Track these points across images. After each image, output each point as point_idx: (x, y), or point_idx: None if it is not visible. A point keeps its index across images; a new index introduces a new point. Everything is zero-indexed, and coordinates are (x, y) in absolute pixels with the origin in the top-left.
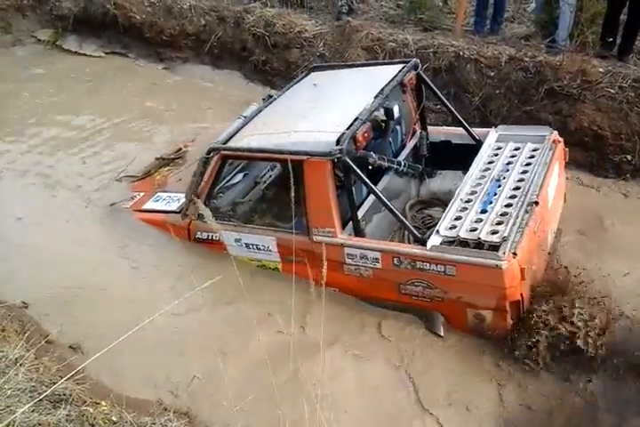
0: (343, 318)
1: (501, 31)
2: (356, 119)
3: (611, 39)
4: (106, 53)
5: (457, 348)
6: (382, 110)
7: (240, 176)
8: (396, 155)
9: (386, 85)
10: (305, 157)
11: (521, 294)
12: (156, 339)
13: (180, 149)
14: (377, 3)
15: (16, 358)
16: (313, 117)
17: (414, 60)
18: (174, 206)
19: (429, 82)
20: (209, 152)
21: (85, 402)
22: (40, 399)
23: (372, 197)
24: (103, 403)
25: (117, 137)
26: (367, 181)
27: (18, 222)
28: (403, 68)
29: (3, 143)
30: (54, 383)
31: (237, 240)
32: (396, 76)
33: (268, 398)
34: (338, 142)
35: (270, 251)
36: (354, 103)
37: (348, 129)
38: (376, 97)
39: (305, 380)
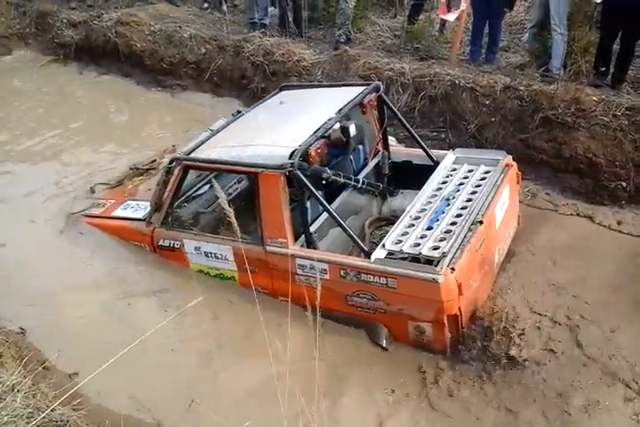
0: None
1: (497, 60)
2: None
3: (604, 68)
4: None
5: None
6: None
7: (206, 188)
8: (357, 173)
9: (345, 105)
10: (260, 170)
11: (459, 309)
12: (151, 361)
13: (155, 160)
14: (374, 33)
15: (13, 385)
16: (272, 133)
17: (376, 82)
18: (141, 214)
19: (390, 104)
20: (171, 162)
21: None
22: (37, 426)
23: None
24: None
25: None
26: (317, 195)
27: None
28: (364, 89)
29: None
30: (52, 410)
31: (197, 248)
32: (355, 97)
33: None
34: (290, 157)
35: (227, 260)
36: (313, 121)
37: (301, 145)
38: (334, 116)
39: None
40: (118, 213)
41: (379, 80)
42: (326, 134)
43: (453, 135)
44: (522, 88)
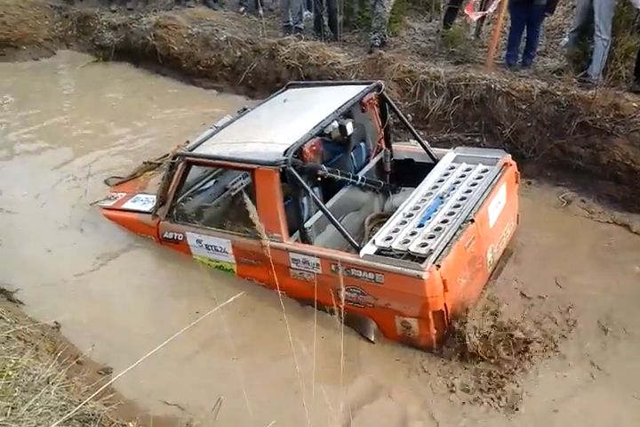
0: None
1: (534, 65)
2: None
3: None
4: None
5: None
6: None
7: (212, 182)
8: (359, 170)
9: (343, 104)
10: (255, 166)
11: (445, 305)
12: (182, 359)
13: (168, 154)
14: (409, 36)
15: (48, 377)
16: (271, 130)
17: (377, 81)
18: (148, 207)
19: (392, 103)
20: (174, 157)
21: (113, 423)
22: (69, 418)
23: (327, 207)
24: (130, 424)
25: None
26: (310, 191)
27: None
28: (365, 88)
29: None
30: (85, 404)
31: (199, 241)
32: (355, 95)
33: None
34: (285, 153)
35: (226, 253)
36: (311, 119)
37: (296, 142)
38: (331, 114)
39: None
40: (128, 205)
41: (413, 83)
42: (324, 132)
43: (488, 140)
44: (559, 93)
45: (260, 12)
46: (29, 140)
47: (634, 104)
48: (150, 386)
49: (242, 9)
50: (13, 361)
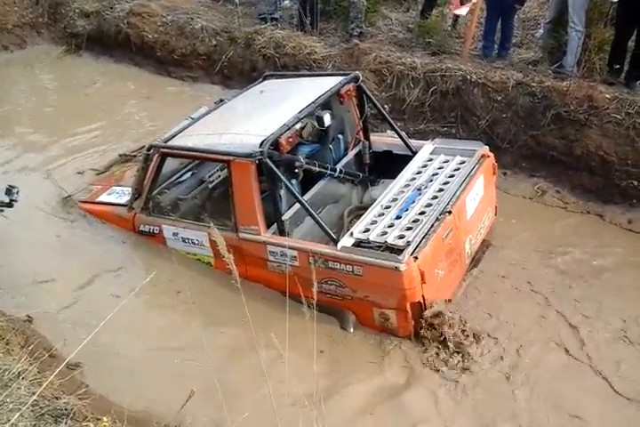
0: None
1: (509, 56)
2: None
3: (618, 66)
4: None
5: None
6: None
7: (188, 174)
8: (337, 162)
9: (320, 95)
10: (231, 158)
11: (422, 296)
12: (156, 353)
13: (144, 146)
14: (386, 27)
15: (19, 372)
16: (247, 121)
17: (355, 73)
18: (124, 200)
19: (370, 94)
20: (149, 149)
21: (87, 418)
22: (42, 414)
23: (304, 199)
24: (104, 419)
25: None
26: (287, 183)
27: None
28: (342, 80)
29: None
30: (57, 398)
31: (175, 234)
32: (333, 87)
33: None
34: (261, 145)
35: (203, 245)
36: (288, 110)
37: (272, 133)
38: (308, 105)
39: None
40: (104, 198)
41: (390, 74)
42: (299, 124)
43: (464, 131)
44: (534, 84)
45: (236, 0)
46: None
47: (607, 96)
48: (125, 380)
49: None
50: None
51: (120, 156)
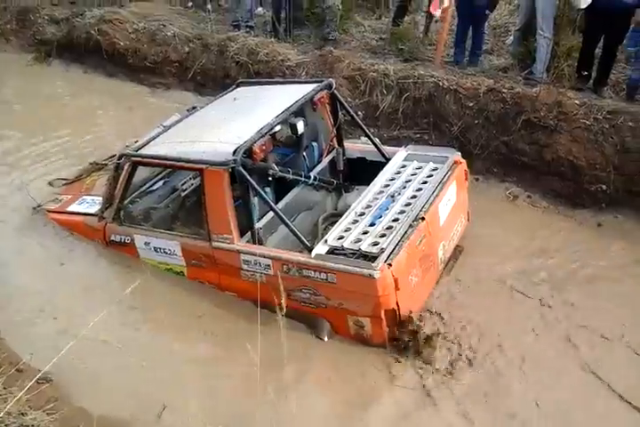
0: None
1: (480, 63)
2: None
3: (586, 72)
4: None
5: None
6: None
7: (160, 183)
8: (311, 169)
9: (294, 103)
10: (204, 166)
11: (397, 303)
12: (126, 366)
13: (115, 154)
14: (359, 34)
15: None
16: (220, 129)
17: (329, 80)
18: (94, 210)
19: (343, 101)
20: (119, 158)
21: None
22: None
23: (278, 207)
24: None
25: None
26: (260, 191)
27: None
28: (316, 87)
29: None
30: (23, 414)
31: (147, 244)
32: (307, 94)
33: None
34: (234, 153)
35: (176, 255)
36: (261, 118)
37: (245, 141)
38: (281, 113)
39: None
40: (74, 207)
41: (363, 81)
42: (273, 131)
43: (437, 137)
44: (505, 91)
45: (209, 7)
46: None
47: (576, 102)
48: (96, 393)
49: (189, 4)
50: None
51: (90, 164)
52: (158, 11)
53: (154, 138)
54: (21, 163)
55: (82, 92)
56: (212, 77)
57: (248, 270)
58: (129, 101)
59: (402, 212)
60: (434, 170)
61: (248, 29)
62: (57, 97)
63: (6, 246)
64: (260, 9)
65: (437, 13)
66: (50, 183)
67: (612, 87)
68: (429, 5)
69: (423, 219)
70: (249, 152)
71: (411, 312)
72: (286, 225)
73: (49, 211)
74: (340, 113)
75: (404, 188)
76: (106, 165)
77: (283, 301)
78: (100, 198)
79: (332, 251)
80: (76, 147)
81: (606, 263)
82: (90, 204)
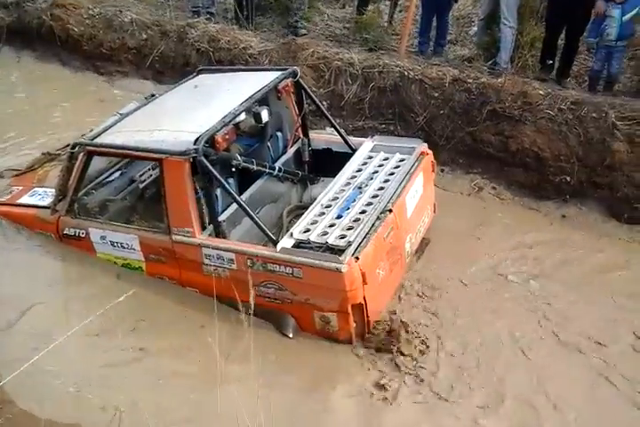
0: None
1: (445, 53)
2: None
3: (550, 62)
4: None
5: None
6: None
7: (117, 174)
8: (276, 160)
9: (257, 91)
10: (163, 156)
11: (364, 298)
12: (83, 370)
13: (69, 144)
14: (322, 22)
15: None
16: (180, 118)
17: (293, 68)
18: (47, 202)
19: (308, 90)
20: (73, 147)
21: None
22: None
23: (242, 199)
24: None
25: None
26: (224, 182)
27: None
28: (280, 75)
29: None
30: None
31: (103, 238)
32: (270, 82)
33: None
34: (195, 142)
35: (134, 249)
36: (224, 106)
37: (207, 130)
38: (245, 101)
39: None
40: (24, 200)
41: (328, 70)
42: (236, 120)
43: (402, 128)
44: (470, 81)
45: None
46: None
47: (540, 92)
48: (47, 395)
49: None
50: None
51: (43, 154)
52: None
53: (110, 126)
54: None
55: (34, 80)
56: (171, 65)
57: (210, 265)
58: (84, 90)
59: (369, 204)
60: (401, 161)
61: (209, 16)
62: (8, 85)
63: None
64: None
65: None
66: (0, 175)
67: (575, 78)
68: None
69: (391, 211)
70: (211, 141)
71: (378, 307)
72: (250, 218)
73: None
74: (305, 102)
75: (371, 179)
76: (59, 155)
77: (251, 298)
78: (53, 190)
79: (298, 244)
80: (27, 138)
81: (570, 255)
82: (42, 196)
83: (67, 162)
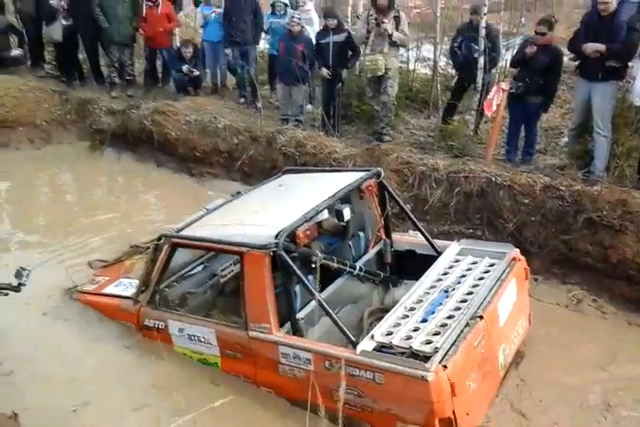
0: None
1: (533, 162)
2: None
3: None
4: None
5: None
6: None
7: (200, 268)
8: (357, 260)
9: (340, 189)
10: (244, 249)
11: (453, 412)
12: None
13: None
14: (407, 131)
15: None
16: (264, 213)
17: (377, 169)
18: (130, 292)
19: (392, 191)
20: (159, 239)
21: None
22: None
23: (322, 297)
24: None
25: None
26: (303, 277)
27: None
28: (364, 175)
29: None
30: None
31: (181, 330)
32: (354, 181)
33: None
34: (277, 237)
35: (210, 344)
36: (306, 203)
37: (289, 225)
38: (327, 199)
39: None
40: (109, 290)
41: (411, 174)
42: (318, 218)
43: (490, 233)
44: (563, 188)
45: (259, 104)
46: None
47: None
48: None
49: (242, 100)
50: None
51: (131, 247)
52: (211, 105)
53: (195, 220)
54: (67, 243)
55: (131, 179)
56: (259, 168)
57: (286, 364)
58: (176, 189)
59: (457, 308)
60: (491, 265)
61: (297, 123)
62: (105, 183)
63: (37, 326)
64: (309, 106)
65: (490, 114)
66: (89, 264)
67: None
68: (480, 105)
69: (481, 317)
70: (292, 236)
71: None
72: (330, 317)
73: (81, 292)
74: (388, 203)
75: (459, 283)
76: (147, 248)
77: (340, 404)
78: (137, 281)
79: (380, 348)
80: (119, 231)
81: None
82: (126, 286)
83: (152, 253)
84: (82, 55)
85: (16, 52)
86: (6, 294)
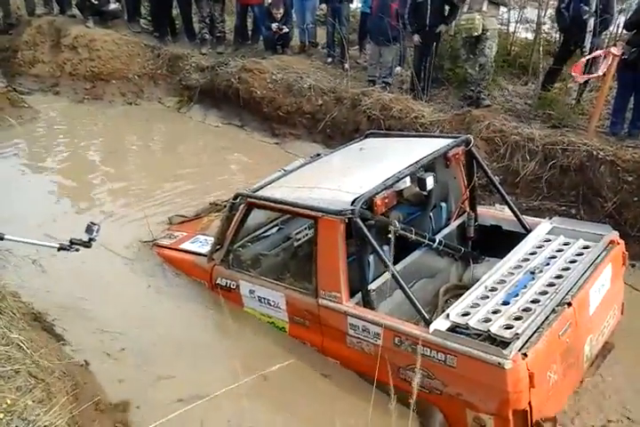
0: None
1: None
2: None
3: None
4: (223, 124)
5: None
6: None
7: (274, 230)
8: (437, 232)
9: (425, 156)
10: (319, 214)
11: (529, 404)
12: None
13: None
14: (502, 97)
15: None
16: (342, 178)
17: (467, 136)
18: (206, 250)
19: (481, 160)
20: (235, 198)
21: None
22: None
23: (396, 269)
24: None
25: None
26: (378, 248)
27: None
28: (452, 142)
29: None
30: None
31: (252, 292)
32: (440, 148)
33: None
34: (353, 203)
35: (279, 308)
36: (387, 169)
37: (367, 192)
38: (410, 165)
39: None
40: (186, 246)
41: (503, 144)
42: (399, 185)
43: (586, 212)
44: None
45: (347, 65)
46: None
47: None
48: None
49: (329, 60)
50: (9, 402)
51: (211, 204)
52: (298, 64)
53: (273, 181)
54: (149, 198)
55: (215, 137)
56: (341, 130)
57: (354, 336)
58: (258, 149)
59: (544, 293)
60: (585, 248)
61: (384, 85)
62: (194, 141)
63: (114, 278)
64: (398, 68)
65: (579, 79)
66: (169, 219)
67: None
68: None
69: (570, 304)
70: (370, 204)
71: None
72: (403, 291)
73: (159, 245)
74: (475, 174)
75: (548, 264)
76: (225, 206)
77: (414, 388)
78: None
79: (454, 328)
80: (200, 188)
81: None
82: (202, 243)
83: (227, 212)
84: (175, 11)
85: (113, 6)
86: (77, 250)
